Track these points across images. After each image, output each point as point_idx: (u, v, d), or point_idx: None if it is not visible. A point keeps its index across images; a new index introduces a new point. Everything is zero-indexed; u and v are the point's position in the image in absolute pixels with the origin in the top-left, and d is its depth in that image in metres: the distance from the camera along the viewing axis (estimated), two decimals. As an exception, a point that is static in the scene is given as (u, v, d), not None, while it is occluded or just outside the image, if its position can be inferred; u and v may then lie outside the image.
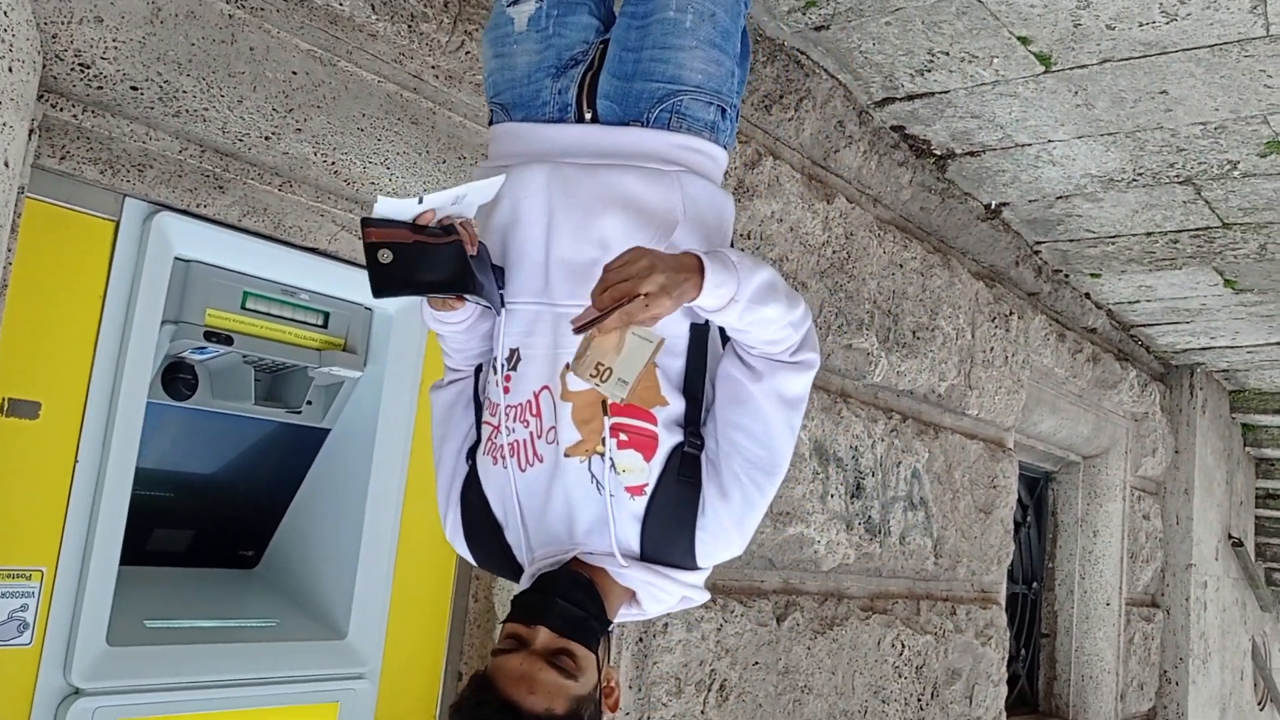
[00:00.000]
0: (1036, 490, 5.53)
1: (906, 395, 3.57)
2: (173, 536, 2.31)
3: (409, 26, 1.99)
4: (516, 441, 1.47)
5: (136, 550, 2.11)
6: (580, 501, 1.43)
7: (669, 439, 1.41)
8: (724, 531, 1.42)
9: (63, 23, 1.57)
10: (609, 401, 1.37)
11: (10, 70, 1.50)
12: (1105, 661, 5.29)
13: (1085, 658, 5.33)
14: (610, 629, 1.41)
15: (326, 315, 2.23)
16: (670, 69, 1.53)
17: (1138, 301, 4.98)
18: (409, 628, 2.39)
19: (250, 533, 2.42)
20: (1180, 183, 3.61)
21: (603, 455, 1.41)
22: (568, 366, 1.38)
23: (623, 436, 1.40)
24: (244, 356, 2.10)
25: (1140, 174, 3.59)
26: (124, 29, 1.63)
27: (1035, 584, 5.43)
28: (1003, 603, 4.21)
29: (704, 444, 1.42)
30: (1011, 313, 4.20)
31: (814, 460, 3.06)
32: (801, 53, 2.98)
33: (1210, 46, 2.73)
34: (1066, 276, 4.70)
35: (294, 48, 1.81)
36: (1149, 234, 4.12)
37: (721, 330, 1.48)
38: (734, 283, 1.32)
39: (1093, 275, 4.66)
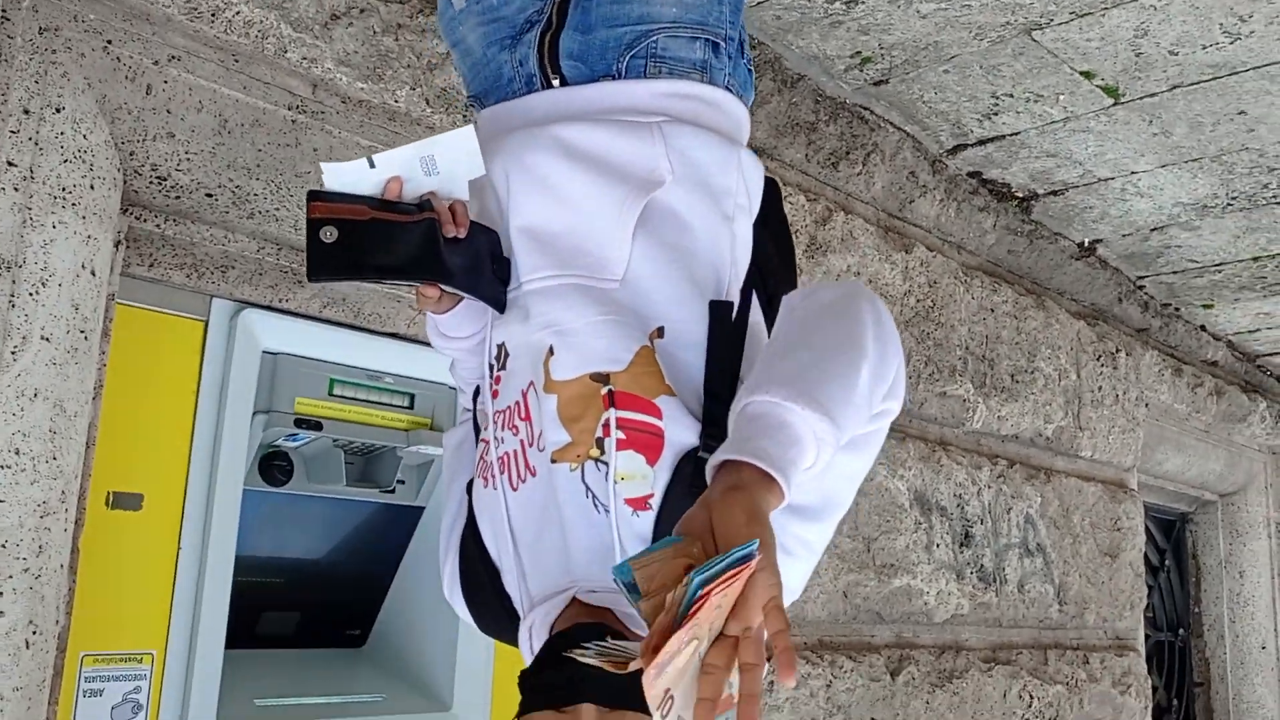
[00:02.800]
0: (1173, 533, 5.28)
1: (1012, 440, 3.49)
2: (280, 620, 2.41)
3: (464, 117, 2.10)
4: (507, 454, 1.22)
5: (246, 634, 2.21)
6: (574, 522, 1.15)
7: (678, 439, 1.12)
8: None
9: (139, 141, 1.72)
10: (611, 390, 1.12)
11: (92, 188, 1.64)
12: (1267, 709, 4.97)
13: (1245, 706, 5.02)
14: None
15: (412, 396, 2.32)
16: (636, 7, 1.28)
17: (1258, 330, 4.77)
18: (513, 696, 2.43)
19: (355, 612, 2.51)
20: (1279, 203, 3.49)
21: (597, 461, 1.13)
22: (550, 352, 1.17)
23: (619, 434, 1.12)
24: (334, 440, 2.20)
25: (1234, 198, 3.48)
26: (195, 141, 1.77)
27: (1182, 630, 5.16)
28: (1141, 650, 4.02)
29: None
30: (1118, 350, 4.08)
31: (915, 510, 3.01)
32: (864, 108, 3.01)
33: (1281, 60, 2.67)
34: (1177, 310, 4.55)
35: (355, 145, 1.93)
36: (1255, 259, 3.97)
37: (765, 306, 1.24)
38: (812, 454, 0.99)
39: (1205, 306, 4.50)
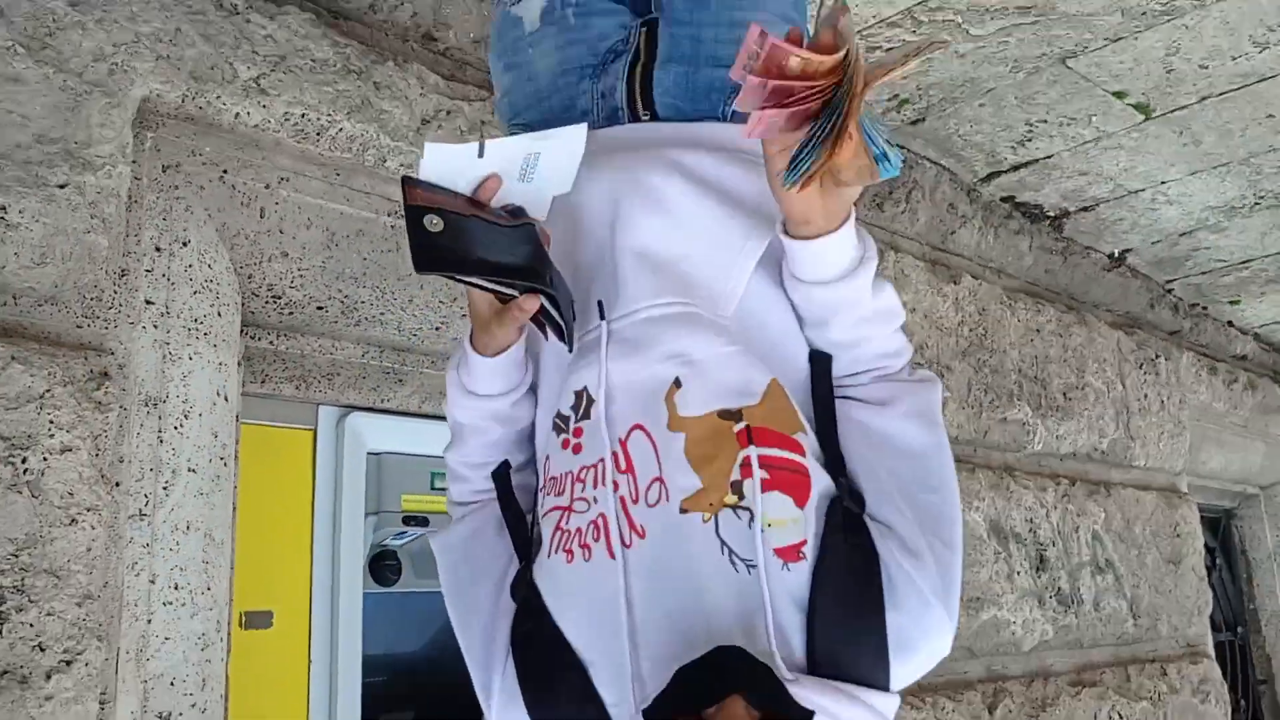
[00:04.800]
0: (1220, 530, 5.30)
1: (1070, 458, 3.52)
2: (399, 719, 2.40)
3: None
4: (600, 518, 1.03)
5: (368, 735, 2.21)
6: (711, 588, 0.97)
7: (821, 480, 1.00)
8: (928, 608, 0.98)
9: (255, 263, 1.74)
10: (747, 425, 0.99)
11: (220, 315, 1.67)
12: (1333, 699, 4.98)
13: (1312, 699, 5.03)
14: None
15: (508, 481, 2.34)
16: None
17: (1284, 320, 4.84)
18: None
19: (469, 704, 2.50)
20: (1306, 197, 3.55)
21: (735, 508, 0.97)
22: (676, 385, 1.03)
23: (763, 474, 0.98)
24: (441, 534, 2.21)
25: (1262, 197, 3.54)
26: (306, 258, 1.80)
27: (1240, 629, 5.17)
28: (1212, 654, 4.03)
29: (864, 500, 1.03)
30: (1158, 355, 4.12)
31: (993, 540, 3.03)
32: (901, 147, 3.06)
33: (1311, 64, 2.73)
34: (1205, 309, 4.61)
35: (451, 243, 1.96)
36: (1282, 252, 4.03)
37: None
38: (862, 240, 1.05)
39: (1232, 302, 4.56)
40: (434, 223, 0.99)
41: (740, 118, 1.11)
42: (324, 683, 1.94)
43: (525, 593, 1.08)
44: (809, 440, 1.02)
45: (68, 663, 1.39)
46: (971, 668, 2.91)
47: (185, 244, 1.61)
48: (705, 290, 1.09)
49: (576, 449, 1.07)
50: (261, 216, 1.74)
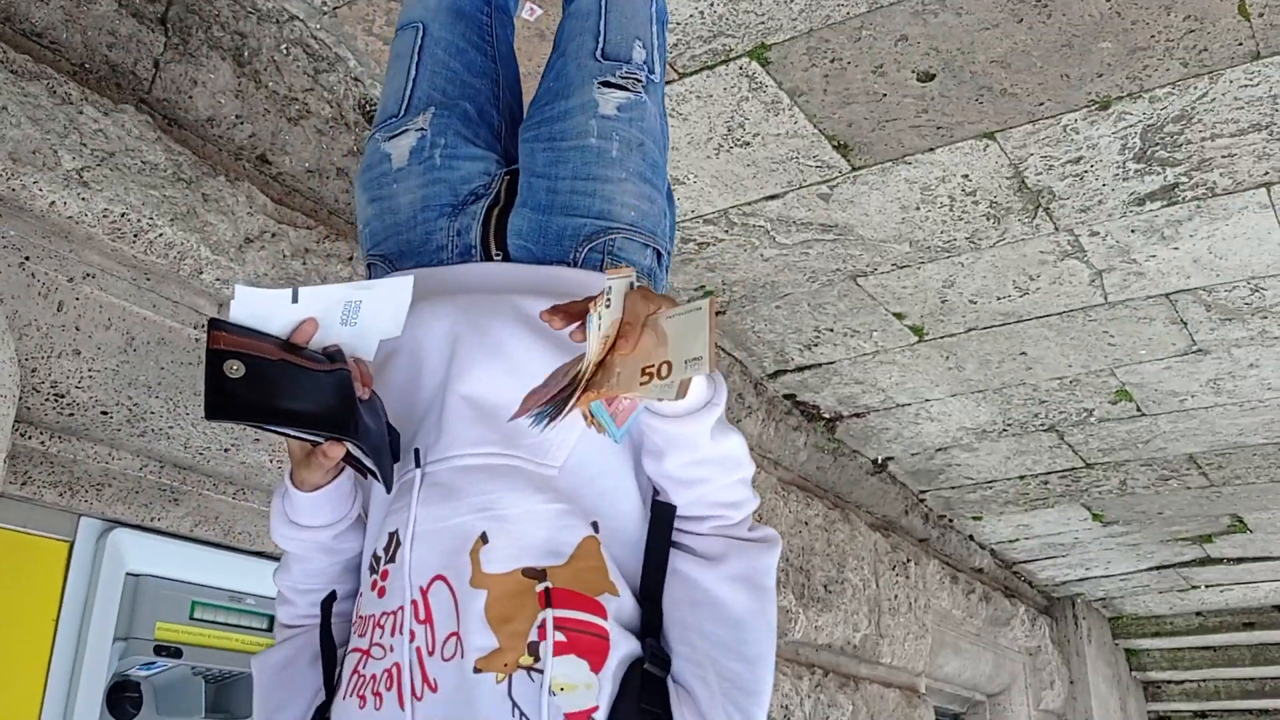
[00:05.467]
0: (948, 734, 5.56)
1: (825, 649, 3.65)
2: None
3: (354, 274, 2.12)
4: (395, 666, 1.02)
5: None
6: None
7: (623, 646, 1.01)
8: None
9: (43, 357, 1.65)
10: (548, 587, 0.98)
11: (-5, 406, 1.56)
12: None
13: None
14: None
15: (271, 618, 2.22)
16: (598, 203, 1.27)
17: (1017, 540, 5.25)
18: None
19: None
20: (1045, 430, 3.94)
21: (530, 670, 0.97)
22: (483, 540, 1.03)
23: (559, 636, 0.98)
24: (193, 669, 2.07)
25: (1009, 424, 3.90)
26: (100, 359, 1.72)
27: (959, 833, 5.37)
28: None
29: (669, 662, 1.04)
30: (909, 560, 4.38)
31: (747, 725, 3.08)
32: (700, 334, 3.23)
33: (1059, 314, 3.09)
34: (950, 521, 4.96)
35: (256, 365, 1.92)
36: (1022, 477, 4.42)
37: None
38: (713, 383, 1.04)
39: (974, 518, 4.93)
40: (234, 369, 0.98)
41: (590, 264, 1.24)
42: (37, 826, 1.75)
43: None
44: (617, 602, 1.02)
45: None
46: None
47: (-28, 327, 1.52)
48: (536, 440, 1.08)
49: (381, 592, 1.06)
50: (59, 310, 1.66)
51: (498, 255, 1.28)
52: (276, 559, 2.17)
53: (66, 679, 1.83)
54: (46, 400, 1.69)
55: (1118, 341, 3.24)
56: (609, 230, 1.26)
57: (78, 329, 1.69)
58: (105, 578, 1.91)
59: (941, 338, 3.26)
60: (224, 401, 0.97)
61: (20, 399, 1.66)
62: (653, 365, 0.94)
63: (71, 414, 1.73)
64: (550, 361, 1.10)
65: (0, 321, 1.58)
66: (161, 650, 2.00)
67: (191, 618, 2.08)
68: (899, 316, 3.14)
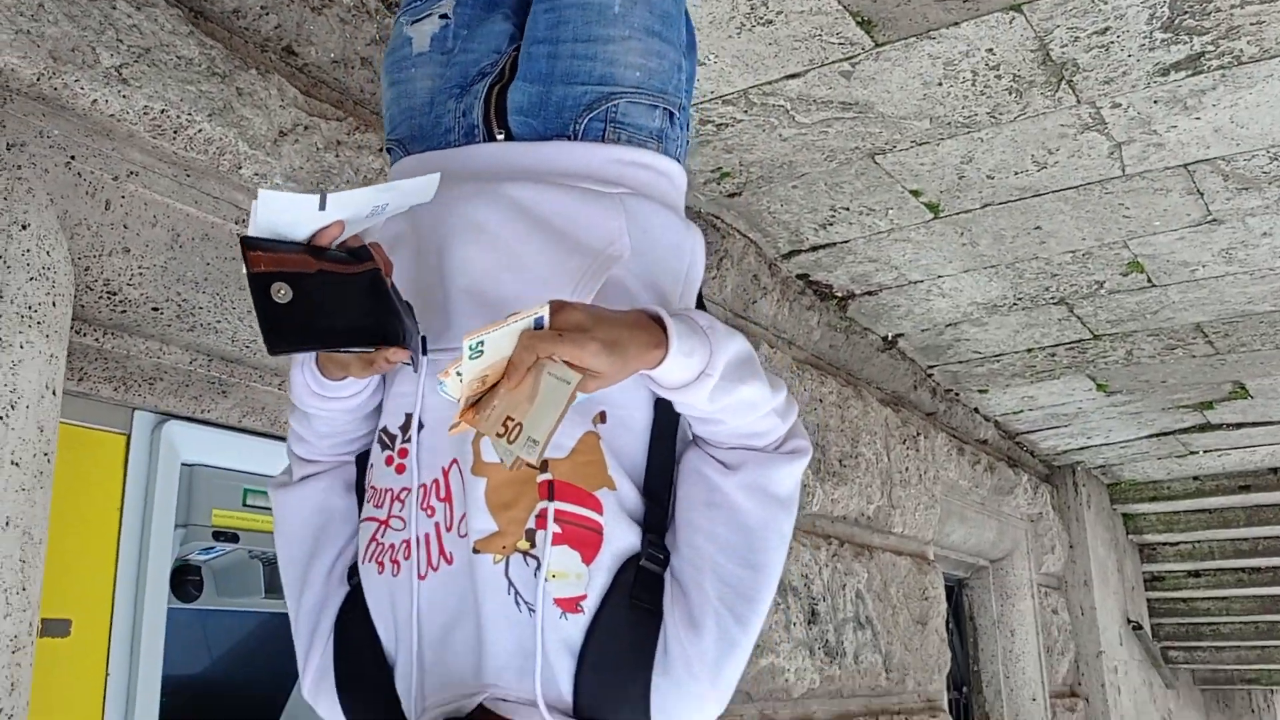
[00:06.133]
0: (953, 598, 5.76)
1: (841, 520, 3.77)
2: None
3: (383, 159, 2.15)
4: (416, 537, 1.07)
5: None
6: (493, 622, 1.02)
7: (618, 539, 1.03)
8: (693, 680, 1.01)
9: (94, 256, 1.68)
10: (521, 462, 0.93)
11: (54, 305, 1.59)
12: (1040, 757, 5.47)
13: (1021, 755, 5.51)
14: None
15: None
16: (599, 66, 1.21)
17: (1021, 411, 5.35)
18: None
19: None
20: (1055, 303, 3.98)
21: (526, 554, 1.01)
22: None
23: (556, 528, 1.01)
24: (250, 552, 2.15)
25: (1020, 298, 3.95)
26: (148, 256, 1.74)
27: (965, 688, 5.61)
28: (948, 710, 4.37)
29: (668, 559, 1.05)
30: (918, 434, 4.48)
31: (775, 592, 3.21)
32: (716, 217, 3.24)
33: (1076, 187, 3.10)
34: (957, 395, 5.04)
35: (297, 258, 1.94)
36: (1029, 350, 4.48)
37: None
38: (705, 351, 1.00)
39: (980, 391, 5.01)
40: (282, 293, 0.92)
41: (592, 135, 1.20)
42: (120, 699, 1.85)
43: (357, 582, 1.14)
44: (615, 496, 1.04)
45: None
46: (746, 710, 3.05)
47: (25, 227, 1.54)
48: None
49: (400, 469, 1.10)
50: (106, 208, 1.68)
51: (500, 134, 1.25)
52: (320, 447, 2.24)
53: (135, 564, 1.91)
54: (100, 298, 1.72)
55: (1133, 214, 3.26)
56: (611, 96, 1.21)
57: (125, 226, 1.71)
58: (163, 468, 1.97)
59: (957, 214, 3.28)
60: (282, 334, 0.92)
61: (75, 297, 1.69)
62: (515, 419, 0.92)
63: (124, 311, 1.76)
64: (543, 251, 1.12)
65: (52, 221, 1.60)
66: (219, 535, 2.08)
67: (244, 504, 2.16)
68: (915, 194, 3.16)
